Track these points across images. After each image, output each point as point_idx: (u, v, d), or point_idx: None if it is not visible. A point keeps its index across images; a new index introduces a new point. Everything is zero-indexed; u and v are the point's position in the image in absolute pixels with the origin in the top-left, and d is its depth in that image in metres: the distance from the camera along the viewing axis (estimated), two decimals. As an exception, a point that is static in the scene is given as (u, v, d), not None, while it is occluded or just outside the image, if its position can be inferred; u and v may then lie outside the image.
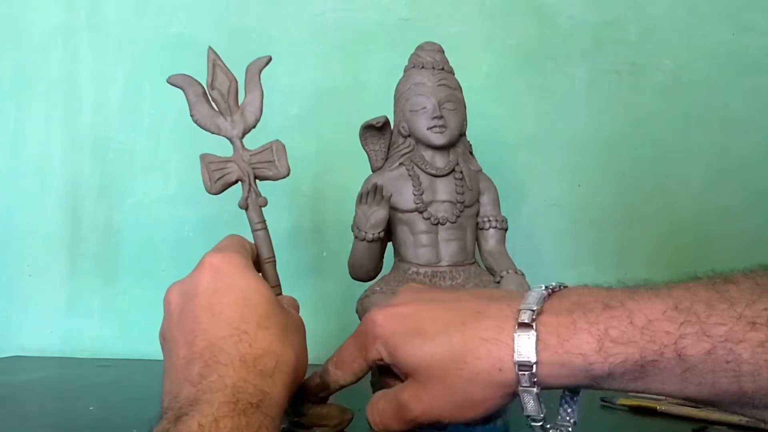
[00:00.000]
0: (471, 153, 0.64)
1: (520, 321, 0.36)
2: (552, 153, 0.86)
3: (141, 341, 0.87)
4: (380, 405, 0.42)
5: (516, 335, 0.36)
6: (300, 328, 0.45)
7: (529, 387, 0.36)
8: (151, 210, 0.89)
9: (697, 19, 0.86)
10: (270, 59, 0.53)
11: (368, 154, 0.62)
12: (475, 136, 0.65)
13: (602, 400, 0.62)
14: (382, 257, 0.62)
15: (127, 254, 0.89)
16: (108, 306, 0.89)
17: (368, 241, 0.58)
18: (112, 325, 0.89)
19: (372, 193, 0.56)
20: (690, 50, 0.86)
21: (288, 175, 0.52)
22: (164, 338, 0.42)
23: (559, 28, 0.87)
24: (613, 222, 0.85)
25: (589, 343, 0.35)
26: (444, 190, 0.59)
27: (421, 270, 0.58)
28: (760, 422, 0.35)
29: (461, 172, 0.60)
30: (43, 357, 0.87)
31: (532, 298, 0.38)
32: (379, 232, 0.57)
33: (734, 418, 0.55)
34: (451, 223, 0.59)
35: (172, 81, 0.52)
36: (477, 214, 0.62)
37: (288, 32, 0.88)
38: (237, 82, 0.52)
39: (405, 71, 0.63)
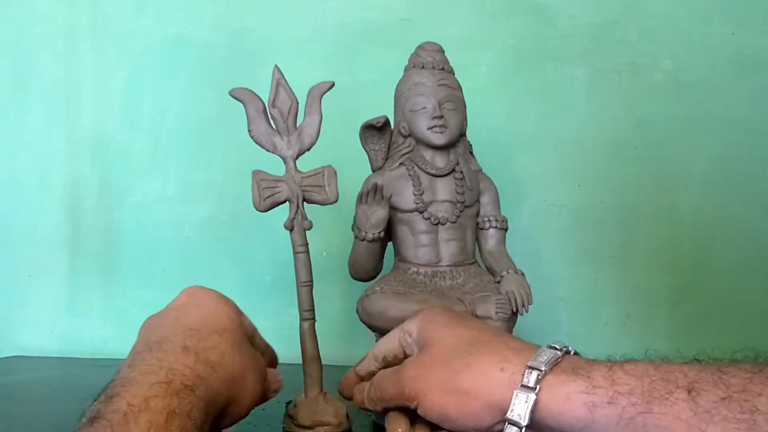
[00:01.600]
0: (471, 153, 0.64)
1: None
2: (552, 153, 0.86)
3: (141, 341, 0.87)
4: (384, 374, 0.45)
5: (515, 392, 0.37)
6: (256, 364, 0.44)
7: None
8: (151, 210, 0.89)
9: (697, 19, 0.86)
10: (333, 84, 0.54)
11: (368, 154, 0.62)
12: (475, 136, 0.65)
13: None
14: (382, 257, 0.62)
15: (127, 254, 0.89)
16: (108, 306, 0.89)
17: (368, 241, 0.58)
18: (112, 325, 0.89)
19: (372, 193, 0.56)
20: (690, 50, 0.86)
21: (336, 201, 0.53)
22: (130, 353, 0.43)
23: (559, 28, 0.87)
24: (613, 222, 0.85)
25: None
26: (444, 190, 0.59)
27: (421, 270, 0.58)
28: None
29: (461, 172, 0.60)
30: (43, 357, 0.86)
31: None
32: (379, 232, 0.57)
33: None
34: (452, 223, 0.59)
35: (235, 94, 0.52)
36: (477, 214, 0.62)
37: (288, 32, 0.88)
38: (298, 103, 0.53)
39: (405, 71, 0.63)
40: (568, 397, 0.36)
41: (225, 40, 0.89)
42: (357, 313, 0.58)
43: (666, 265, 0.85)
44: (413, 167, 0.59)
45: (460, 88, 0.62)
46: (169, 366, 0.36)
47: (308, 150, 0.53)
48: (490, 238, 0.62)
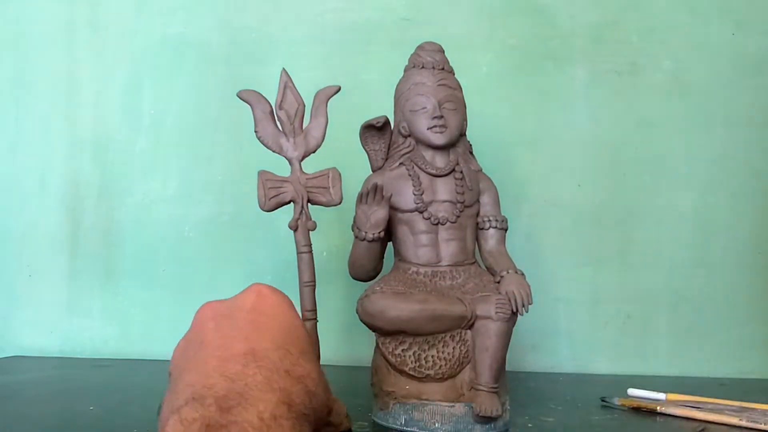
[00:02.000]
0: (471, 153, 0.64)
1: None
2: (552, 153, 0.86)
3: (141, 341, 0.87)
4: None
5: None
6: (329, 393, 0.43)
7: None
8: (151, 210, 0.89)
9: (697, 19, 0.86)
10: (339, 89, 0.54)
11: (368, 154, 0.62)
12: (475, 136, 0.65)
13: (602, 400, 0.62)
14: (382, 257, 0.62)
15: (127, 254, 0.89)
16: (108, 306, 0.89)
17: (368, 241, 0.57)
18: (112, 325, 0.89)
19: (372, 193, 0.56)
20: (690, 50, 0.86)
21: (340, 203, 0.53)
22: (187, 344, 0.40)
23: (559, 28, 0.87)
24: (613, 222, 0.85)
25: None
26: (444, 189, 0.59)
27: (421, 270, 0.58)
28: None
29: (461, 172, 0.60)
30: (43, 357, 0.87)
31: None
32: (379, 232, 0.57)
33: (734, 419, 0.55)
34: (451, 222, 0.59)
35: (242, 96, 0.53)
36: (477, 214, 0.62)
37: (288, 32, 0.89)
38: (305, 105, 0.53)
39: (405, 71, 0.63)
40: None
41: (225, 40, 0.89)
42: (357, 313, 0.58)
43: (666, 265, 0.85)
44: (413, 167, 0.59)
45: (460, 88, 0.62)
46: (280, 387, 0.35)
47: (314, 152, 0.54)
48: (490, 238, 0.62)
